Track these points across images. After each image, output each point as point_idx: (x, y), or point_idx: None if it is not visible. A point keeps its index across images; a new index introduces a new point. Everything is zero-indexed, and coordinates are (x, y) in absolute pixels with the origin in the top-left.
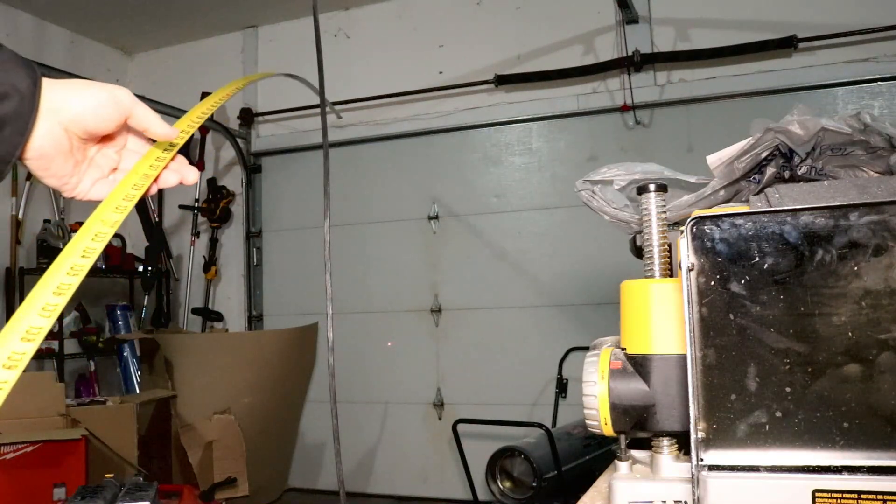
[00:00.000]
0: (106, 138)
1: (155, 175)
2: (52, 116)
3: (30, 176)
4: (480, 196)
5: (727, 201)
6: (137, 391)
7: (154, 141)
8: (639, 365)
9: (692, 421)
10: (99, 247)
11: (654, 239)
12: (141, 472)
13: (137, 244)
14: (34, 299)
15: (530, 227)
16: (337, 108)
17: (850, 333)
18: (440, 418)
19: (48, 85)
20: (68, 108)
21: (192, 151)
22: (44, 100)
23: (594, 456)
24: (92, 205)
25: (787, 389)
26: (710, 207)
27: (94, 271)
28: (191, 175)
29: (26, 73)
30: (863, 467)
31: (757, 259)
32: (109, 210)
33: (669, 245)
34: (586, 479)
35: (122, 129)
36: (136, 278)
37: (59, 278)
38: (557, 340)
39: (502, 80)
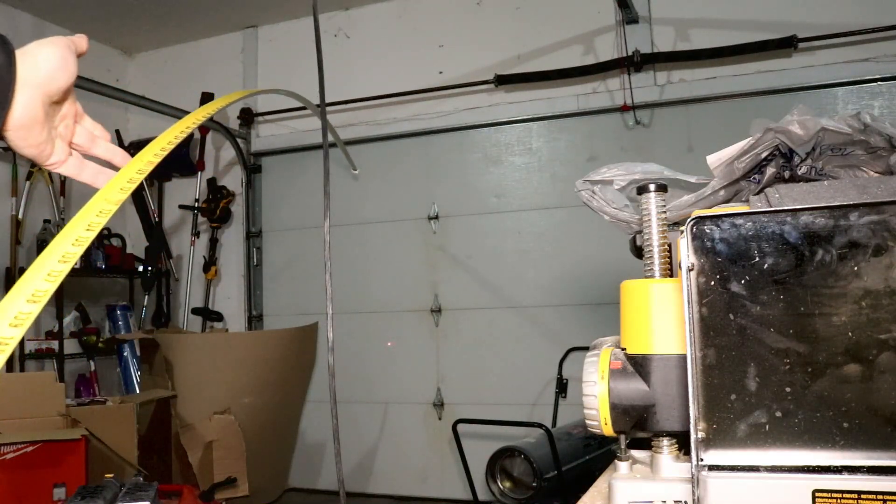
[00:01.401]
0: (66, 102)
1: (157, 162)
2: (27, 85)
3: (30, 176)
4: (480, 196)
5: (727, 201)
6: (137, 391)
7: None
8: (639, 365)
9: (692, 421)
10: (102, 221)
11: (654, 239)
12: (141, 472)
13: (137, 244)
14: (39, 267)
15: (530, 228)
16: (336, 107)
17: (850, 333)
18: (440, 418)
19: (19, 54)
20: (40, 71)
21: (192, 151)
22: (19, 69)
23: (594, 456)
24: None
25: (787, 389)
26: (710, 207)
27: (94, 271)
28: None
29: (0, 47)
30: (863, 467)
31: (757, 259)
32: (115, 191)
33: (669, 245)
34: (586, 479)
35: (72, 93)
36: (136, 278)
37: (64, 248)
38: (557, 340)
39: (502, 80)
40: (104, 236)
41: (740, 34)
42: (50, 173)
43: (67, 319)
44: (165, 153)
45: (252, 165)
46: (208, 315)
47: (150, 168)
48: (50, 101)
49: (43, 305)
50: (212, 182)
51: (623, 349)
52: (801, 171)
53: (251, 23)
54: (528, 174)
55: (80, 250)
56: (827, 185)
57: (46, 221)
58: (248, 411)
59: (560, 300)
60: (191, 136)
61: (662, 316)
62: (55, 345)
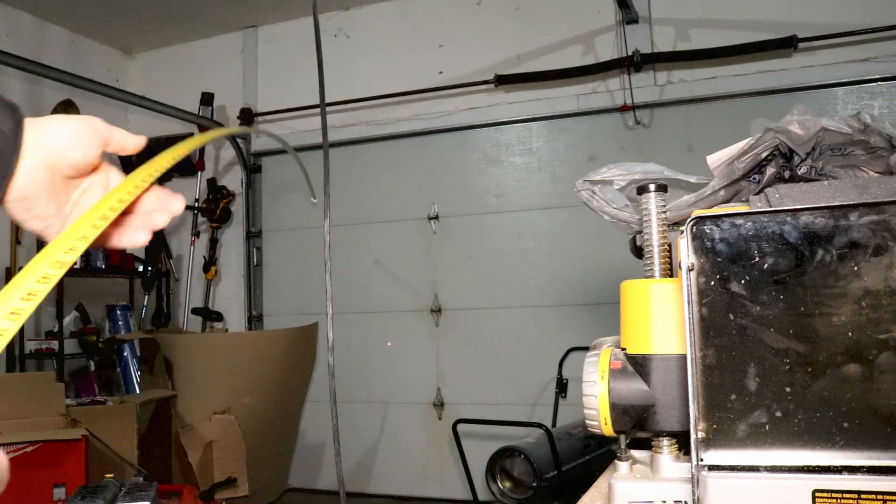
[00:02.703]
0: (88, 176)
1: (134, 197)
2: (34, 154)
3: None
4: (480, 196)
5: (727, 201)
6: (137, 391)
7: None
8: (639, 365)
9: (692, 421)
10: (75, 254)
11: (654, 239)
12: (141, 472)
13: None
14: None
15: (530, 228)
16: (337, 107)
17: (850, 333)
18: (440, 418)
19: (30, 124)
20: (50, 143)
21: (192, 152)
22: (26, 139)
23: (594, 456)
24: None
25: (787, 389)
26: (710, 207)
27: (94, 271)
28: (178, 204)
29: (9, 113)
30: (863, 467)
31: (757, 259)
32: (86, 227)
33: (669, 245)
34: (586, 479)
35: (102, 165)
36: (136, 278)
37: (27, 285)
38: (557, 340)
39: (502, 80)
40: None
41: (740, 34)
42: None
43: (67, 319)
44: (139, 189)
45: (252, 165)
46: (208, 315)
47: (123, 206)
48: (60, 176)
49: (38, 303)
50: (212, 182)
51: (623, 349)
52: (801, 171)
53: (251, 23)
54: (528, 174)
55: (62, 271)
56: (827, 185)
57: None
58: (248, 411)
59: (560, 300)
60: (191, 136)
61: (662, 316)
62: (55, 345)
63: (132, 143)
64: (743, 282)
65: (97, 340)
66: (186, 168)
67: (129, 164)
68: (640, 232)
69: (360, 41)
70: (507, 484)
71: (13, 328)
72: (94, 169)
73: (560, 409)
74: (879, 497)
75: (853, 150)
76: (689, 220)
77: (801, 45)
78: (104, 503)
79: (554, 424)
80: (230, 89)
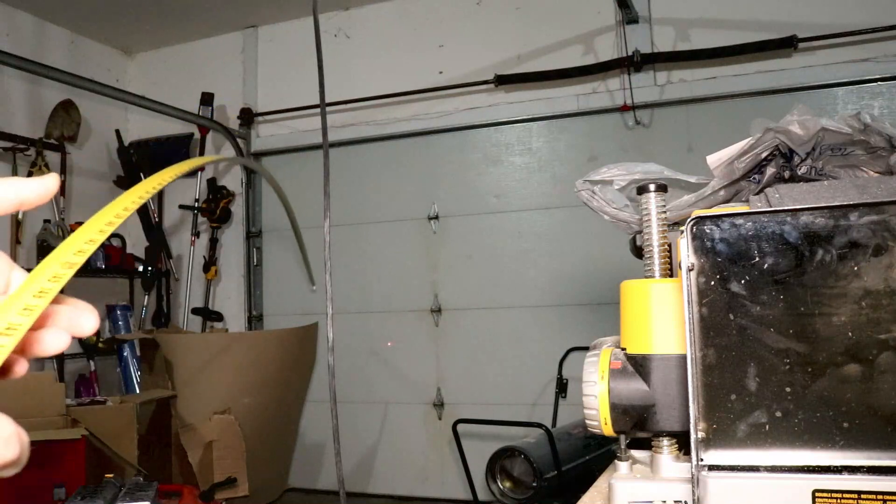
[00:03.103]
0: None
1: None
2: None
3: (30, 174)
4: (480, 196)
5: (727, 201)
6: (137, 391)
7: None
8: (639, 365)
9: (692, 421)
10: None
11: (654, 239)
12: (141, 472)
13: (137, 244)
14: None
15: (530, 228)
16: (337, 107)
17: (850, 333)
18: (440, 418)
19: None
20: None
21: (192, 152)
22: None
23: (594, 456)
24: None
25: (787, 389)
26: (710, 207)
27: (94, 271)
28: (89, 323)
29: None
30: (863, 467)
31: (757, 259)
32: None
33: (669, 245)
34: (586, 479)
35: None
36: (136, 278)
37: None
38: (557, 340)
39: (502, 80)
40: None
41: (740, 34)
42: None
43: None
44: (113, 228)
45: None
46: (208, 315)
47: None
48: None
49: (48, 302)
50: (212, 182)
51: (623, 349)
52: (801, 171)
53: (251, 23)
54: (528, 174)
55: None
56: (827, 185)
57: (46, 221)
58: (248, 411)
59: (560, 300)
60: (191, 135)
61: (662, 316)
62: None
63: (34, 189)
64: (743, 282)
65: (97, 340)
66: None
67: (134, 176)
68: (640, 232)
69: (360, 41)
70: (507, 484)
71: (27, 323)
72: None
73: (560, 409)
74: (879, 497)
75: (853, 150)
76: (689, 220)
77: (801, 45)
78: (104, 503)
79: (554, 424)
80: (230, 89)
